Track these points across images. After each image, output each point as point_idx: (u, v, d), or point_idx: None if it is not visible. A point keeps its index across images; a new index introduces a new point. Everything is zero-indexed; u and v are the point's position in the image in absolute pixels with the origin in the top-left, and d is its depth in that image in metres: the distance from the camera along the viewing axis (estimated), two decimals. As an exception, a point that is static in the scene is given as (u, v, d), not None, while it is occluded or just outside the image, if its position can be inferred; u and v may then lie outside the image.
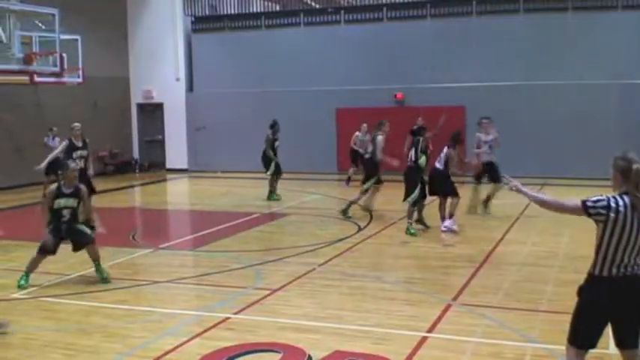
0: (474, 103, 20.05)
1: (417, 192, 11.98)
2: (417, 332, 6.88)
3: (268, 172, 16.56)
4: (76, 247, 9.30)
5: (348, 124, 21.55)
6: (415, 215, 12.28)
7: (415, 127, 12.95)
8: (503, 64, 20.30)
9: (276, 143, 16.52)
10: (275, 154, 16.39)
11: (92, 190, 12.02)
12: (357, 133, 18.72)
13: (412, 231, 11.96)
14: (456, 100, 20.42)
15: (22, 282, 9.02)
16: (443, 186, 12.37)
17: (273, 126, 16.64)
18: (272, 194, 16.74)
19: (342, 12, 23.08)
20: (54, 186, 9.39)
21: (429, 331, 6.93)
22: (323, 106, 21.85)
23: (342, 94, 21.87)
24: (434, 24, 21.51)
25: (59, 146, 13.43)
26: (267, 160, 16.48)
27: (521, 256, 10.38)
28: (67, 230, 9.13)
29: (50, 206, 9.09)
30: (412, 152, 12.22)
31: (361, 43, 21.98)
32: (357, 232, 12.40)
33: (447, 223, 12.25)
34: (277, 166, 16.50)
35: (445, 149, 12.46)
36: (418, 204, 12.24)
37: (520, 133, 18.64)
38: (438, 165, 12.41)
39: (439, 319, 7.30)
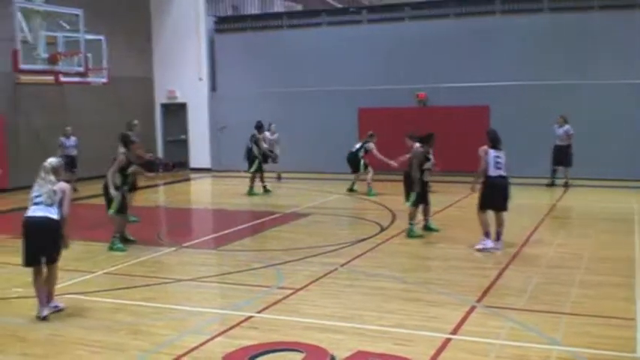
0: (498, 103, 19.97)
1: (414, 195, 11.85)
2: (440, 334, 6.86)
3: (251, 170, 17.75)
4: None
5: (370, 124, 21.52)
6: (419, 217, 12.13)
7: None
8: (527, 63, 20.14)
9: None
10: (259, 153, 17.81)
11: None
12: (265, 133, 19.61)
13: (415, 232, 11.87)
14: (479, 99, 20.34)
15: (120, 246, 10.78)
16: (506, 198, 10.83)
17: (261, 127, 18.19)
18: (252, 190, 17.72)
19: (364, 11, 23.08)
20: (123, 157, 11.11)
21: (453, 332, 6.91)
22: (345, 106, 21.85)
23: (364, 94, 21.84)
24: (457, 23, 21.40)
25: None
26: (253, 159, 17.73)
27: (546, 257, 10.30)
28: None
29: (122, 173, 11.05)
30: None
31: (383, 43, 21.93)
32: (380, 232, 12.39)
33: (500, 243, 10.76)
34: (260, 163, 17.76)
35: (500, 151, 10.76)
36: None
37: (544, 133, 18.48)
38: (503, 172, 10.70)
39: (463, 320, 7.28)
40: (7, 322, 7.57)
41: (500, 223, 10.73)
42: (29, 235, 7.56)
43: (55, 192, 7.54)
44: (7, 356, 6.53)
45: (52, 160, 7.74)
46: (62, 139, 18.80)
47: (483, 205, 10.73)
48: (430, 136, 12.14)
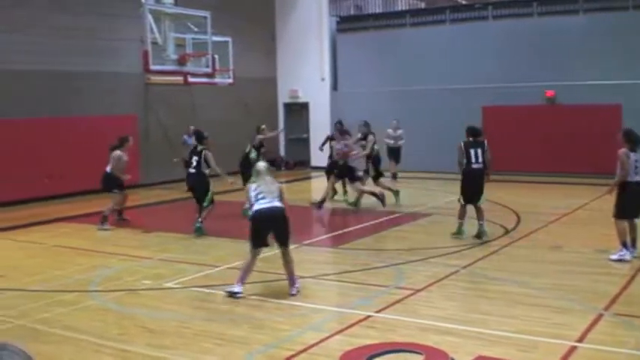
0: (631, 101, 19.01)
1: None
2: (566, 341, 6.60)
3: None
4: None
5: (494, 122, 21.07)
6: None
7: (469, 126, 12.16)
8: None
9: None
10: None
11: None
12: (388, 130, 20.48)
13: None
14: (611, 97, 19.43)
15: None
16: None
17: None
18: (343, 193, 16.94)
19: (490, 8, 22.56)
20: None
21: (579, 340, 6.63)
22: (468, 105, 21.41)
23: (489, 91, 21.36)
24: (587, 18, 20.55)
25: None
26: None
27: (681, 264, 9.73)
28: None
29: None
30: (478, 153, 11.67)
31: (510, 39, 21.38)
32: (504, 234, 12.07)
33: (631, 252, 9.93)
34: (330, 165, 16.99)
35: (637, 153, 9.77)
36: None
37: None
38: None
39: (589, 328, 6.97)
40: (135, 313, 7.93)
41: (633, 229, 10.01)
42: (263, 221, 8.42)
43: (277, 189, 8.62)
44: (134, 347, 6.82)
45: (261, 164, 8.91)
46: (185, 137, 19.49)
47: (622, 213, 9.86)
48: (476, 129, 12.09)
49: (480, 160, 11.66)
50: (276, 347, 6.64)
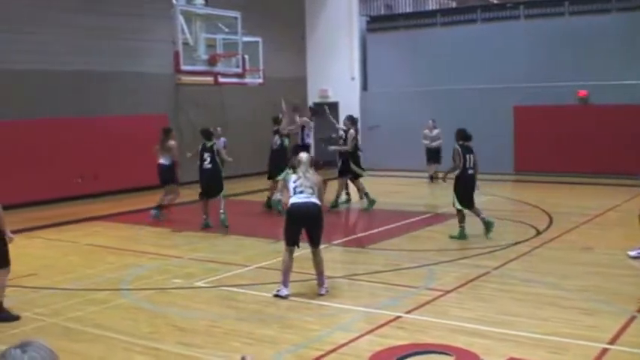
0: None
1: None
2: (597, 343, 6.51)
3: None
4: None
5: (526, 122, 20.91)
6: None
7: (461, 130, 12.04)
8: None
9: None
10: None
11: None
12: (425, 131, 20.11)
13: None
14: (644, 98, 19.17)
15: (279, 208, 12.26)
16: None
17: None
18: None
19: (522, 7, 22.35)
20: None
21: (611, 342, 6.55)
22: (500, 104, 21.28)
23: (521, 91, 21.17)
24: (619, 17, 20.27)
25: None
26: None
27: None
28: None
29: None
30: (471, 158, 11.75)
31: (541, 39, 21.17)
32: (536, 235, 11.95)
33: None
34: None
35: None
36: None
37: None
38: None
39: (621, 330, 6.87)
40: (165, 312, 7.99)
41: None
42: (297, 216, 8.33)
43: (316, 184, 8.47)
44: (164, 345, 6.86)
45: (304, 155, 8.77)
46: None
47: None
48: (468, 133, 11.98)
49: (472, 165, 11.74)
50: (305, 347, 6.65)
